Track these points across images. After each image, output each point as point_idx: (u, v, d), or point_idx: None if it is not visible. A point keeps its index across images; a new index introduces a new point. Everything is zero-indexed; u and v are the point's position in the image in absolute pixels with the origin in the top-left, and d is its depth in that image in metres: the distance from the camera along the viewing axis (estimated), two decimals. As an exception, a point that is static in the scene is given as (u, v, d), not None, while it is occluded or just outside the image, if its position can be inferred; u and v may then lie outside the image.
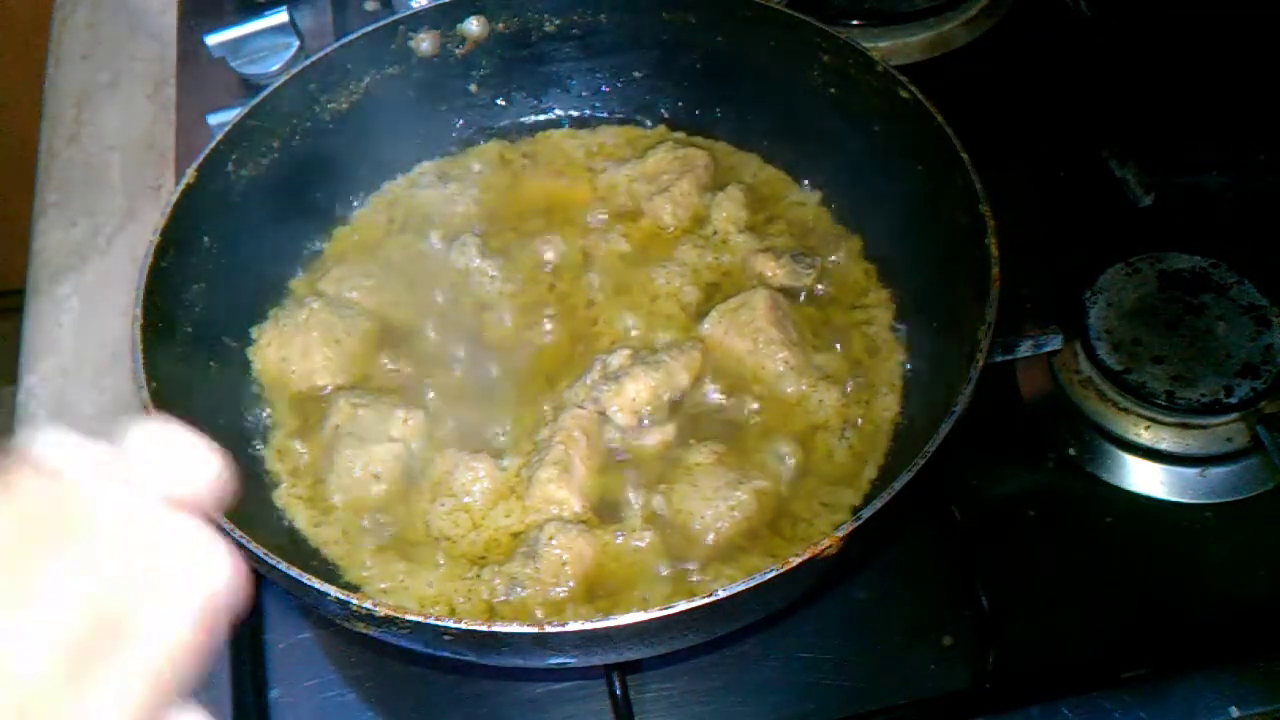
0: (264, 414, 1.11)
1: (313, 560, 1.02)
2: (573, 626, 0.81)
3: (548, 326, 1.16)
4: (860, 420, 1.08)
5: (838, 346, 1.13)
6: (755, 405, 1.09)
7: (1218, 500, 1.11)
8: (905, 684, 1.02)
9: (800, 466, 1.05)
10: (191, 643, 0.50)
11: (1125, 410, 1.15)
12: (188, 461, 0.53)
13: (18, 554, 0.48)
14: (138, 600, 0.49)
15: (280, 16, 1.44)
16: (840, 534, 0.83)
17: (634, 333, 1.15)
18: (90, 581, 0.48)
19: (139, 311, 0.99)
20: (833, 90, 1.19)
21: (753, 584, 0.80)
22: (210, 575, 0.51)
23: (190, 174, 1.08)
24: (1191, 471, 1.13)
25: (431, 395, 1.12)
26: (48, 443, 0.51)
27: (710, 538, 1.00)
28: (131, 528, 0.50)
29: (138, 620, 0.49)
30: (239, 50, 1.44)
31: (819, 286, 1.17)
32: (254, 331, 1.15)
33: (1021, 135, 1.37)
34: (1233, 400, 1.12)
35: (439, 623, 0.81)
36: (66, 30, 1.65)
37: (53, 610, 0.47)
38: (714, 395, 1.10)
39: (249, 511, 1.01)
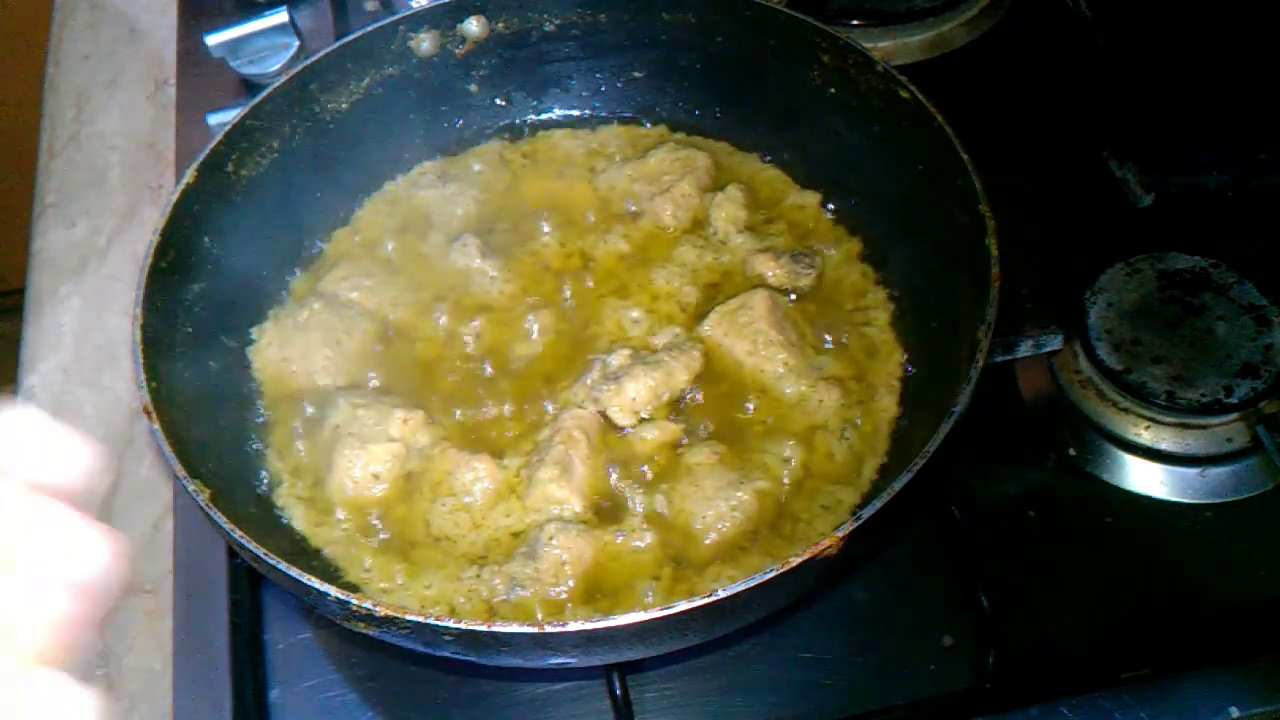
0: (264, 414, 1.11)
1: (313, 560, 1.02)
2: (573, 626, 0.81)
3: (548, 326, 1.16)
4: (860, 420, 1.08)
5: (837, 347, 1.13)
6: (755, 406, 1.09)
7: (1218, 500, 1.11)
8: (905, 684, 1.02)
9: (800, 467, 1.05)
10: (66, 622, 0.52)
11: (1125, 410, 1.15)
12: (57, 450, 0.55)
13: None
14: (6, 582, 0.51)
15: (280, 16, 1.44)
16: (840, 534, 0.83)
17: (634, 333, 1.15)
18: None
19: (139, 311, 0.99)
20: (833, 90, 1.19)
21: (753, 584, 0.80)
22: (81, 559, 0.53)
23: (190, 174, 1.08)
24: (1191, 471, 1.13)
25: (431, 395, 1.12)
26: None
27: (711, 538, 1.00)
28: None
29: (7, 601, 0.51)
30: (239, 50, 1.44)
31: (818, 287, 1.17)
32: (254, 331, 1.15)
33: (1021, 135, 1.37)
34: (1233, 400, 1.11)
35: (439, 623, 0.81)
36: (66, 30, 1.65)
37: None
38: (714, 396, 1.10)
39: (249, 511, 1.01)
